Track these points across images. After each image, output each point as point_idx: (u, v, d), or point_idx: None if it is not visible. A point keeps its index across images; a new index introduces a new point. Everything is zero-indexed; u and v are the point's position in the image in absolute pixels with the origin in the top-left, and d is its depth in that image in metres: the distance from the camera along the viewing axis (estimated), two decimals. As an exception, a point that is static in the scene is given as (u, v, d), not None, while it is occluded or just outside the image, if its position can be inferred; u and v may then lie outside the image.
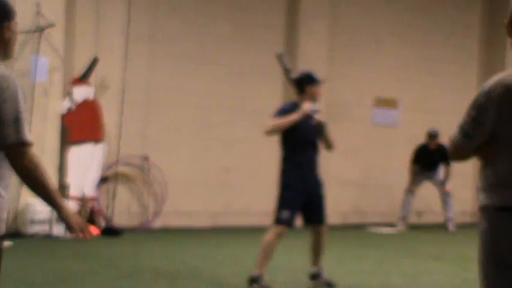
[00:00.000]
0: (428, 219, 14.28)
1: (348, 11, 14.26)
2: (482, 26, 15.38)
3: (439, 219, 13.86)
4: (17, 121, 3.41)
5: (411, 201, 13.58)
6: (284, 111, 7.59)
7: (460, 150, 3.79)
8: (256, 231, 12.76)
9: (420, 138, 13.61)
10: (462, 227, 13.67)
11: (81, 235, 3.56)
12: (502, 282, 3.65)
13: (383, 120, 14.60)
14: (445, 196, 13.46)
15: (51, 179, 3.58)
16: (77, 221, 3.56)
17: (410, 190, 13.54)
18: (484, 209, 3.68)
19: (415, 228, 13.56)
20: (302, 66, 13.53)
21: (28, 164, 3.42)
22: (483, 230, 3.69)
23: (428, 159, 13.37)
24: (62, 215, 3.53)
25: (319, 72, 13.61)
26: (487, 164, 3.71)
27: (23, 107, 3.46)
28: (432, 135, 13.34)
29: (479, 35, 15.44)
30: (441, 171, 13.48)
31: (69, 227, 3.56)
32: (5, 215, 3.50)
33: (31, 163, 3.43)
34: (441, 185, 13.46)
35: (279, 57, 7.06)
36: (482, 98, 3.67)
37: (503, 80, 3.63)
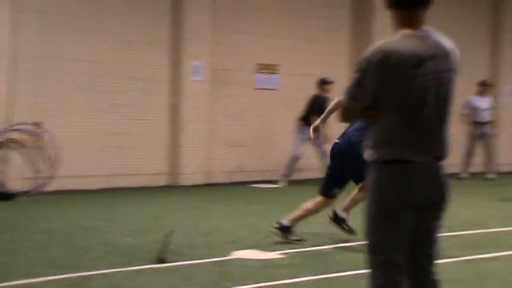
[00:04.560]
0: (307, 175, 14.47)
1: (231, -18, 14.17)
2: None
3: (317, 174, 14.07)
4: None
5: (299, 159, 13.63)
6: None
7: (349, 112, 3.91)
8: (146, 191, 12.69)
9: (299, 101, 13.72)
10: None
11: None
12: (385, 227, 3.80)
13: (265, 85, 14.66)
14: (323, 155, 13.63)
15: None
16: None
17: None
18: (372, 163, 3.84)
19: (295, 183, 13.72)
20: (187, 35, 13.41)
21: None
22: (372, 181, 3.84)
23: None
24: None
25: (203, 39, 13.69)
26: (373, 124, 3.85)
27: None
28: (328, 82, 13.53)
29: (350, 5, 15.65)
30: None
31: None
32: None
33: None
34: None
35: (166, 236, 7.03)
36: (364, 64, 3.78)
37: (383, 47, 3.75)
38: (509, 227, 9.31)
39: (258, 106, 14.62)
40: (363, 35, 15.24)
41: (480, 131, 15.52)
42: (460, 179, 15.05)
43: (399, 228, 3.80)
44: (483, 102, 15.51)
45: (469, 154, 15.66)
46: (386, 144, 3.78)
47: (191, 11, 13.48)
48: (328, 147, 13.52)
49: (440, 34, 3.88)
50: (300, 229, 8.30)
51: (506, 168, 17.17)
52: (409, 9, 3.81)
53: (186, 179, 13.40)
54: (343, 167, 7.82)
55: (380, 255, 3.83)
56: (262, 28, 14.56)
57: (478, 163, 16.00)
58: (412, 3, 3.81)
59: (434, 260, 3.98)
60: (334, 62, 15.14)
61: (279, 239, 7.94)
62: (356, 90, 3.80)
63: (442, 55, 3.81)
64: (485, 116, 15.52)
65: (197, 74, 13.56)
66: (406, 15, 3.82)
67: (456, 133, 15.77)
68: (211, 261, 6.94)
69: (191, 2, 13.47)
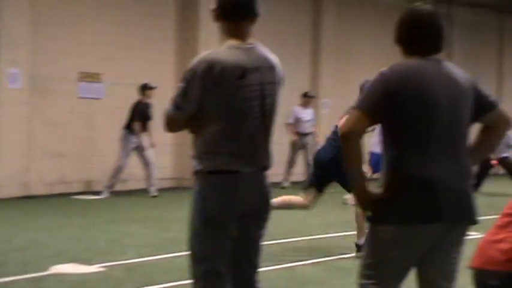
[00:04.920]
0: (131, 185, 14.26)
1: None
2: (177, 6, 15.55)
3: (141, 185, 13.91)
4: None
5: (122, 169, 13.37)
6: None
7: (173, 122, 3.88)
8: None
9: (124, 110, 13.50)
10: (163, 191, 13.84)
11: None
12: (208, 237, 3.81)
13: (88, 94, 14.31)
14: (147, 163, 13.48)
15: None
16: None
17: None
18: (197, 174, 3.84)
19: (119, 194, 13.48)
20: (3, 40, 12.79)
21: None
22: (196, 191, 3.84)
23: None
24: None
25: (21, 45, 13.12)
26: (198, 134, 3.84)
27: None
28: (149, 87, 13.40)
29: (175, 15, 15.62)
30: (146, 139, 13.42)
31: None
32: None
33: None
34: (142, 151, 13.42)
35: None
36: (189, 73, 3.78)
37: (207, 57, 3.77)
38: (327, 233, 9.64)
39: (81, 115, 14.23)
40: (189, 44, 15.27)
41: (302, 141, 16.00)
42: (282, 188, 15.42)
43: (223, 238, 3.81)
44: (306, 114, 16.02)
45: (290, 163, 16.11)
46: (211, 155, 3.78)
47: (8, 15, 12.88)
48: (151, 155, 13.55)
49: (265, 48, 3.95)
50: (124, 241, 8.13)
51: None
52: (235, 21, 3.85)
53: (1, 191, 12.75)
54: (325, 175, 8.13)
55: (203, 264, 3.82)
56: (85, 36, 14.19)
57: (298, 172, 16.46)
58: (238, 16, 3.85)
59: (257, 268, 4.01)
60: (159, 71, 15.03)
61: (101, 250, 7.74)
62: (181, 100, 3.79)
63: (267, 68, 3.87)
64: (308, 127, 16.04)
65: (14, 82, 12.98)
66: (233, 27, 3.86)
67: (280, 143, 16.23)
68: (27, 278, 6.61)
69: (8, 6, 12.88)
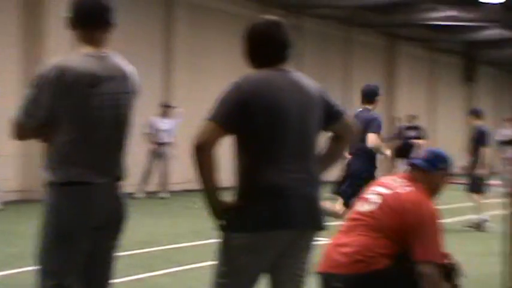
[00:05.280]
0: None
1: None
2: (21, 13, 14.98)
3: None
4: None
5: None
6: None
7: (23, 129, 3.73)
8: None
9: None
10: (9, 204, 13.30)
11: None
12: (60, 250, 3.70)
13: None
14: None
15: None
16: None
17: None
18: (50, 185, 3.72)
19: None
20: None
21: None
22: (48, 204, 3.72)
23: None
24: None
25: None
26: (51, 143, 3.73)
27: None
28: None
29: (19, 21, 15.03)
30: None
31: None
32: None
33: None
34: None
35: None
36: (39, 80, 3.66)
37: (59, 64, 3.67)
38: (178, 243, 9.60)
39: None
40: (33, 52, 14.75)
41: (159, 151, 15.88)
42: (136, 198, 15.25)
43: (75, 251, 3.72)
44: (164, 123, 15.92)
45: (147, 173, 15.94)
46: (64, 165, 3.68)
47: None
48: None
49: (119, 57, 3.88)
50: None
51: (178, 187, 17.79)
52: (89, 29, 3.78)
53: None
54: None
55: (51, 279, 3.71)
56: None
57: (152, 182, 16.33)
58: (92, 24, 3.78)
59: (110, 280, 3.93)
60: (2, 79, 14.43)
61: None
62: (30, 107, 3.66)
63: (120, 77, 3.80)
64: (165, 137, 15.93)
65: None
66: (87, 35, 3.78)
67: (135, 152, 16.03)
68: None
69: None
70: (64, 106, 3.65)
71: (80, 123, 3.68)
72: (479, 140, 12.16)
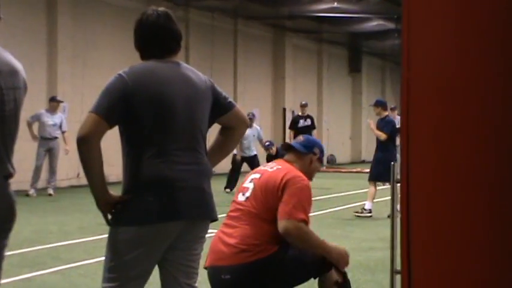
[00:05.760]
0: None
1: None
2: None
3: None
4: None
5: None
6: None
7: None
8: None
9: None
10: None
11: None
12: None
13: None
14: None
15: None
16: None
17: None
18: None
19: None
20: None
21: None
22: None
23: None
24: None
25: None
26: None
27: None
28: None
29: None
30: None
31: None
32: None
33: None
34: None
35: None
36: None
37: None
38: (66, 240, 9.44)
39: None
40: None
41: (47, 145, 15.48)
42: (28, 195, 14.88)
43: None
44: (52, 118, 15.50)
45: (38, 170, 15.54)
46: None
47: None
48: None
49: (5, 51, 3.74)
50: None
51: (64, 184, 17.44)
52: None
53: None
54: None
55: None
56: None
57: (41, 178, 15.95)
58: None
59: None
60: None
61: None
62: None
63: (7, 72, 3.65)
64: (53, 132, 15.53)
65: None
66: None
67: (25, 149, 15.59)
68: None
69: None
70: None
71: None
72: (392, 131, 12.38)
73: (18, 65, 3.76)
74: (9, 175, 3.75)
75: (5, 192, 3.73)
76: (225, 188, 16.42)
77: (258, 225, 4.51)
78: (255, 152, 16.77)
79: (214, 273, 4.56)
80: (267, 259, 4.45)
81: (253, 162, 16.28)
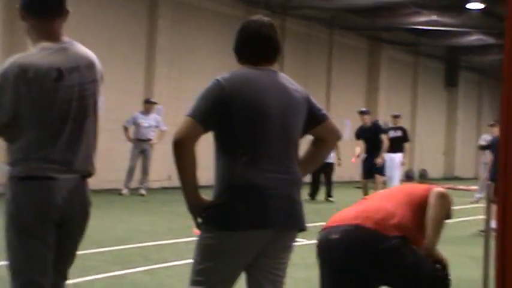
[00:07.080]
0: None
1: None
2: (4, 9, 14.92)
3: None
4: None
5: None
6: None
7: None
8: None
9: None
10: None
11: None
12: (23, 248, 3.63)
13: None
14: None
15: None
16: None
17: None
18: (9, 180, 3.65)
19: None
20: None
21: None
22: (8, 199, 3.65)
23: None
24: None
25: None
26: (13, 141, 3.65)
27: None
28: None
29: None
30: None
31: None
32: None
33: None
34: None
35: None
36: (0, 80, 3.56)
37: (19, 61, 3.57)
38: (156, 241, 9.59)
39: None
40: (17, 48, 14.68)
41: (141, 147, 15.80)
42: (121, 194, 15.22)
43: (39, 248, 3.64)
44: (147, 120, 15.81)
45: (131, 170, 15.87)
46: (25, 161, 3.60)
47: None
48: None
49: (80, 45, 3.78)
50: None
51: (156, 185, 17.74)
52: (44, 18, 3.66)
53: None
54: None
55: (20, 277, 3.65)
56: None
57: (134, 179, 16.27)
58: (47, 13, 3.66)
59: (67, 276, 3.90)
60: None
61: None
62: None
63: (85, 66, 3.71)
64: (147, 133, 15.85)
65: None
66: (43, 26, 3.66)
67: (120, 150, 15.96)
68: None
69: None
70: (29, 104, 3.56)
71: (45, 119, 3.60)
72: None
73: (93, 56, 3.81)
74: (85, 173, 3.81)
75: (80, 190, 3.76)
76: (309, 195, 16.99)
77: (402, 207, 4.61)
78: (331, 160, 17.08)
79: (324, 233, 4.64)
80: (390, 240, 4.44)
81: (328, 170, 16.93)
